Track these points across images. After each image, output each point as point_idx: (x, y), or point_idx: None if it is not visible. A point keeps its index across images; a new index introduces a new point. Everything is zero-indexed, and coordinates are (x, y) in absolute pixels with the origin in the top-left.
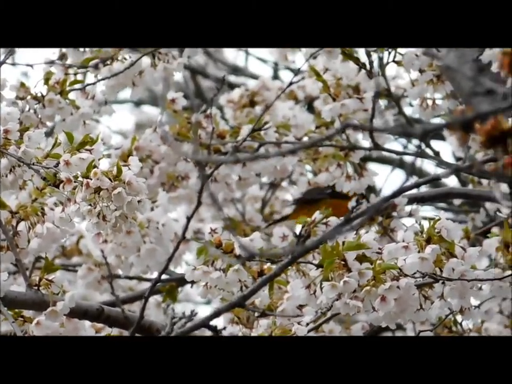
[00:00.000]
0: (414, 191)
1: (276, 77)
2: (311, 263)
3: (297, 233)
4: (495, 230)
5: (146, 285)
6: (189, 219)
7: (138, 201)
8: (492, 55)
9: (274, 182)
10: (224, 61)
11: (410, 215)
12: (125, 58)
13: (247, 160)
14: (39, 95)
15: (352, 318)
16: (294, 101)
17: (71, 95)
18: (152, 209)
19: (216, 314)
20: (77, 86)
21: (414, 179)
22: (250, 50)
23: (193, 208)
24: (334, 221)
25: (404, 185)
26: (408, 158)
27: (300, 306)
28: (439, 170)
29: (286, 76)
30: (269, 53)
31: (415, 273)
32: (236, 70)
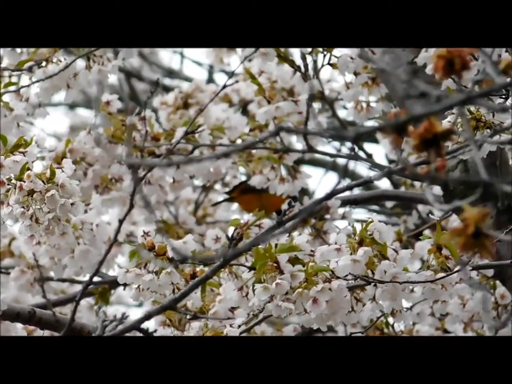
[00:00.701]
0: (347, 193)
1: (211, 79)
2: (244, 265)
3: (230, 236)
4: (427, 232)
5: (79, 287)
6: (121, 222)
7: (72, 204)
8: (426, 57)
9: (207, 184)
10: (159, 64)
11: (343, 217)
12: (60, 61)
13: (180, 163)
14: None
15: (284, 321)
16: (228, 103)
17: (5, 97)
18: (85, 211)
19: (147, 317)
20: (11, 88)
21: (346, 181)
22: (186, 53)
23: (125, 211)
24: (267, 223)
25: (336, 187)
26: (341, 161)
27: (232, 309)
28: (372, 173)
29: (221, 78)
30: (204, 56)
31: (347, 275)
32: (170, 73)
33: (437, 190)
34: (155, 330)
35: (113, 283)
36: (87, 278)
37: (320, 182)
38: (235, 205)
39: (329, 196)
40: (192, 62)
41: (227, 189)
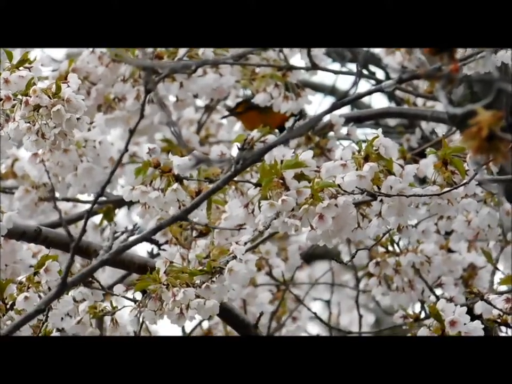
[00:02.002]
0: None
1: None
2: (250, 182)
3: (241, 146)
4: (431, 149)
5: (81, 209)
6: (131, 132)
7: (77, 118)
8: None
9: (209, 104)
10: None
11: (347, 135)
12: None
13: (197, 66)
14: None
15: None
16: None
17: None
18: (89, 130)
19: (158, 228)
20: None
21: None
22: None
23: (136, 121)
24: (271, 139)
25: (345, 98)
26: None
27: (238, 226)
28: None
29: None
30: None
31: (353, 191)
32: None
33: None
34: (166, 242)
35: (118, 202)
36: (90, 198)
37: (319, 105)
38: (238, 125)
39: (338, 105)
40: None
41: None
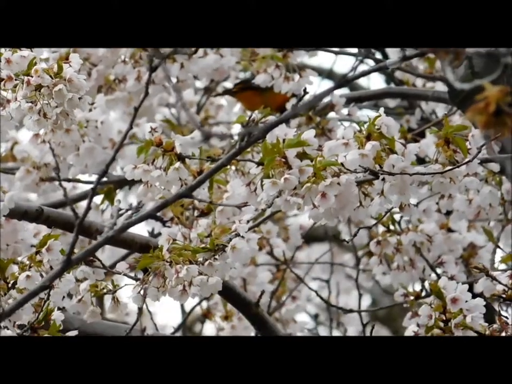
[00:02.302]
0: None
1: None
2: (252, 161)
3: (245, 123)
4: (433, 128)
5: (80, 191)
6: (136, 109)
7: (79, 98)
8: None
9: (209, 86)
10: None
11: (348, 115)
12: None
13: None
14: None
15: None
16: None
17: None
18: (90, 110)
19: (163, 205)
20: None
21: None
22: None
23: (141, 99)
24: (272, 119)
25: (349, 75)
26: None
27: (240, 206)
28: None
29: None
30: None
31: (355, 169)
32: None
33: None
34: (172, 219)
35: (119, 183)
36: (91, 178)
37: (318, 87)
38: (237, 107)
39: (343, 83)
40: None
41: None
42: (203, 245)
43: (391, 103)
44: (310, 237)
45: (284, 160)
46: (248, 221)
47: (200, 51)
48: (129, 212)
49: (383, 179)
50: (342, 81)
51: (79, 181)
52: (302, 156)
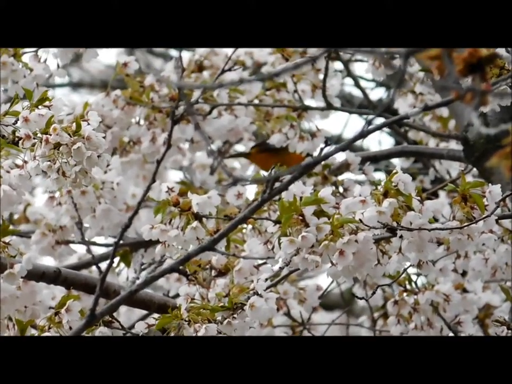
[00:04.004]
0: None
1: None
2: (269, 219)
3: (267, 176)
4: (450, 184)
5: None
6: (159, 162)
7: (98, 156)
8: None
9: (222, 149)
10: None
11: (363, 173)
12: None
13: (212, 107)
14: None
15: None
16: (241, 67)
17: (24, 58)
18: (105, 172)
19: (186, 258)
20: (30, 48)
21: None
22: None
23: (163, 151)
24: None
25: (369, 126)
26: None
27: (256, 267)
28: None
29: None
30: None
31: (373, 227)
32: None
33: (455, 145)
34: (195, 272)
35: (134, 245)
36: (108, 240)
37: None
38: (251, 169)
39: (365, 133)
40: None
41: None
42: (221, 304)
43: (405, 164)
44: (326, 304)
45: (301, 218)
46: (266, 280)
47: (214, 112)
48: (152, 266)
49: (401, 236)
50: (360, 133)
51: (95, 243)
52: (319, 213)
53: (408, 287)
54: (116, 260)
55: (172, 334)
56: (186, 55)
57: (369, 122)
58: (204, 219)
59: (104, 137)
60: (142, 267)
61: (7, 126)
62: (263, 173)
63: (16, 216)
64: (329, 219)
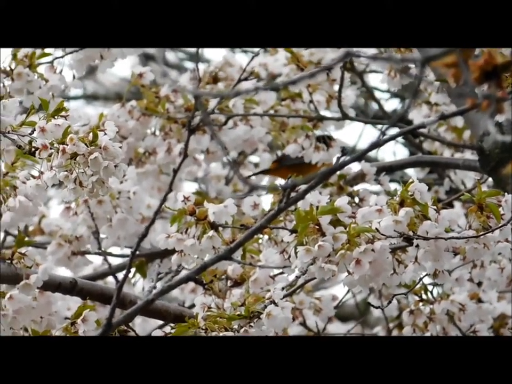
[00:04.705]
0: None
1: None
2: (285, 228)
3: (283, 185)
4: (466, 194)
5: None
6: (175, 172)
7: (115, 166)
8: None
9: (237, 160)
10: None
11: (378, 183)
12: None
13: (227, 118)
14: (7, 68)
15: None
16: (256, 79)
17: (40, 69)
18: (121, 182)
19: (202, 268)
20: (45, 59)
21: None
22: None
23: (180, 160)
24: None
25: (384, 135)
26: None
27: (273, 276)
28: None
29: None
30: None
31: (389, 236)
32: (191, 56)
33: (470, 155)
34: (211, 281)
35: (150, 256)
36: (124, 251)
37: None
38: (265, 179)
39: (382, 141)
40: None
41: (257, 164)
42: (238, 313)
43: (419, 174)
44: (341, 315)
45: (317, 227)
46: (282, 289)
47: (230, 122)
48: (169, 275)
49: (417, 245)
50: (376, 143)
51: (111, 254)
52: (335, 223)
53: (424, 296)
54: (131, 270)
55: None
56: (201, 66)
57: (384, 132)
58: (220, 228)
59: (120, 147)
60: (159, 276)
61: (23, 136)
62: (279, 182)
63: (31, 228)
64: (345, 228)
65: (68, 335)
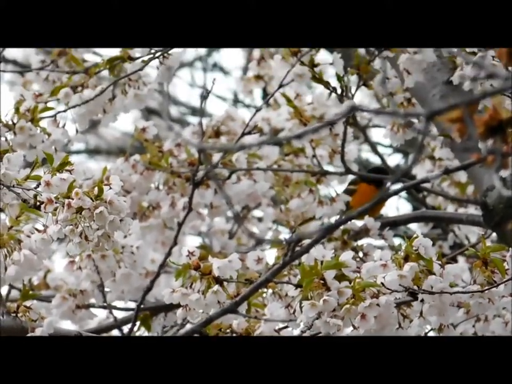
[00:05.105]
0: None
1: None
2: (290, 283)
3: (288, 239)
4: (471, 249)
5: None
6: (180, 225)
7: (121, 220)
8: (461, 76)
9: (241, 214)
10: (181, 102)
11: (382, 238)
12: (95, 86)
13: (231, 172)
14: (9, 122)
15: None
16: (259, 133)
17: (42, 123)
18: (125, 237)
19: (208, 321)
20: (48, 113)
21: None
22: (209, 87)
23: (184, 214)
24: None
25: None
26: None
27: (278, 330)
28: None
29: (245, 114)
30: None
31: (394, 290)
32: (194, 111)
33: (473, 211)
34: (216, 335)
35: (155, 309)
36: (128, 304)
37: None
38: (270, 233)
39: (385, 196)
40: (215, 97)
41: (261, 218)
42: None
43: (423, 229)
44: None
45: (322, 281)
46: None
47: (233, 177)
48: (175, 329)
49: (422, 300)
50: (380, 197)
51: (115, 307)
52: (340, 277)
53: None
54: (137, 323)
55: None
56: (203, 121)
57: (388, 187)
58: (225, 283)
59: (125, 201)
60: (164, 329)
61: (28, 190)
62: (283, 237)
63: (36, 282)
64: (350, 283)
65: None
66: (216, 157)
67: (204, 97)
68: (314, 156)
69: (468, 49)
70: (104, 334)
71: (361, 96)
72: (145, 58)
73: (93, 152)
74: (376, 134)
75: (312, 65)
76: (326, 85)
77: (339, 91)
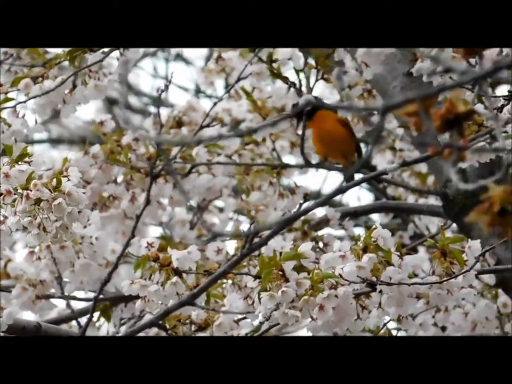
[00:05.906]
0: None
1: None
2: (249, 274)
3: (246, 231)
4: (430, 240)
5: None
6: (138, 217)
7: (79, 212)
8: (422, 68)
9: (201, 205)
10: (143, 92)
11: (343, 228)
12: (56, 77)
13: (191, 167)
14: None
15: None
16: (220, 124)
17: (2, 114)
18: (84, 227)
19: (165, 313)
20: (8, 104)
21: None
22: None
23: (142, 206)
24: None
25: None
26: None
27: (236, 321)
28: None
29: (207, 104)
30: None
31: (353, 282)
32: (156, 101)
33: (434, 201)
34: (175, 326)
35: (114, 300)
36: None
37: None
38: (230, 224)
39: (343, 189)
40: (177, 88)
41: (222, 209)
42: None
43: (384, 219)
44: None
45: (281, 273)
46: (246, 335)
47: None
48: (132, 321)
49: (381, 291)
50: (339, 189)
51: (75, 298)
52: (299, 268)
53: None
54: (96, 314)
55: None
56: (164, 111)
57: (347, 178)
58: (184, 274)
59: (84, 193)
60: (122, 321)
61: None
62: (242, 229)
63: None
64: (309, 274)
65: None
66: (175, 150)
67: (162, 90)
68: (274, 149)
69: None
70: (64, 325)
71: (323, 89)
72: (106, 49)
73: (55, 141)
74: None
75: (271, 60)
76: (285, 79)
77: (298, 85)
